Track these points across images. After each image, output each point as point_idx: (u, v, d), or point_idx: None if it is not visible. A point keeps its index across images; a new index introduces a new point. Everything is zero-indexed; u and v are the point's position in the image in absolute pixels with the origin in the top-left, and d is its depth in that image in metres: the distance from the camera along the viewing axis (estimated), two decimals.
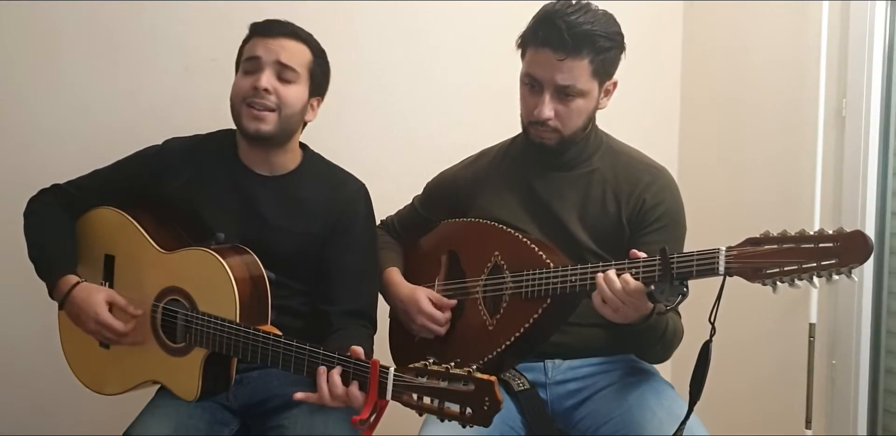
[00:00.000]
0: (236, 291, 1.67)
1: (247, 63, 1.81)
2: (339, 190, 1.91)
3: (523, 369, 1.82)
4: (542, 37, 1.68)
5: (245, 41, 1.86)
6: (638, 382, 1.78)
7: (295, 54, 1.82)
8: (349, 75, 2.52)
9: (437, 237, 2.00)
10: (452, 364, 1.41)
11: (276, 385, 1.83)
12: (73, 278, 1.80)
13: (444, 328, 1.84)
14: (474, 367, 1.39)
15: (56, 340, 1.93)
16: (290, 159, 1.90)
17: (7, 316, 2.33)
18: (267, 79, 1.77)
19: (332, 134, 2.49)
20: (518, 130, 1.89)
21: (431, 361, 1.43)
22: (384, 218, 2.15)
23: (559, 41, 1.66)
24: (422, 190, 2.11)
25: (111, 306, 1.78)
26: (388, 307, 1.99)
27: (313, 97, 1.88)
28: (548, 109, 1.72)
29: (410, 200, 2.14)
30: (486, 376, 1.36)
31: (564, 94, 1.71)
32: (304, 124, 1.91)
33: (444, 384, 1.39)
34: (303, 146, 1.95)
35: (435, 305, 1.85)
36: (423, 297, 1.86)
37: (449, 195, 2.00)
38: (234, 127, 1.92)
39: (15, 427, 2.36)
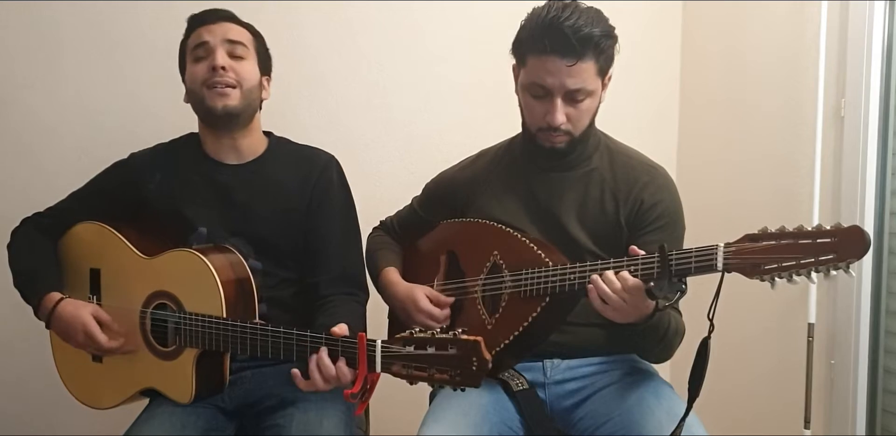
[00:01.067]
0: (220, 287, 1.68)
1: (196, 50, 1.84)
2: (309, 165, 1.93)
3: (522, 369, 1.82)
4: (548, 45, 1.67)
5: (186, 36, 1.89)
6: (637, 382, 1.78)
7: (240, 33, 1.87)
8: (348, 75, 2.54)
9: (436, 238, 2.00)
10: (438, 330, 1.42)
11: (271, 385, 1.84)
12: (55, 295, 1.80)
13: (443, 326, 1.84)
14: (459, 330, 1.39)
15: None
16: (256, 143, 1.92)
17: (4, 314, 2.33)
18: (222, 57, 1.81)
19: (330, 135, 2.50)
20: (517, 130, 1.89)
21: (417, 329, 1.44)
22: (383, 219, 2.16)
23: (567, 47, 1.65)
24: (421, 191, 2.11)
25: (98, 322, 1.78)
26: (387, 307, 1.99)
27: (263, 75, 1.92)
28: (560, 115, 1.72)
29: (409, 201, 2.13)
30: (471, 337, 1.37)
31: (573, 97, 1.71)
32: (261, 104, 1.93)
33: (430, 351, 1.40)
34: (268, 133, 1.98)
35: (433, 302, 1.85)
36: (421, 295, 1.86)
37: (448, 196, 2.00)
38: (187, 132, 1.95)
39: (12, 429, 2.36)
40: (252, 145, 1.91)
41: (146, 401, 1.86)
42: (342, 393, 1.51)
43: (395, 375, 1.45)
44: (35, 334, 2.01)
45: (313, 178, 1.90)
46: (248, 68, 1.85)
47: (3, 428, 2.35)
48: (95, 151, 2.03)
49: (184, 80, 1.89)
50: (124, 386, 1.83)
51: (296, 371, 1.56)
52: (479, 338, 1.37)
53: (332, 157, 1.97)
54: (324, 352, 1.54)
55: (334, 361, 1.53)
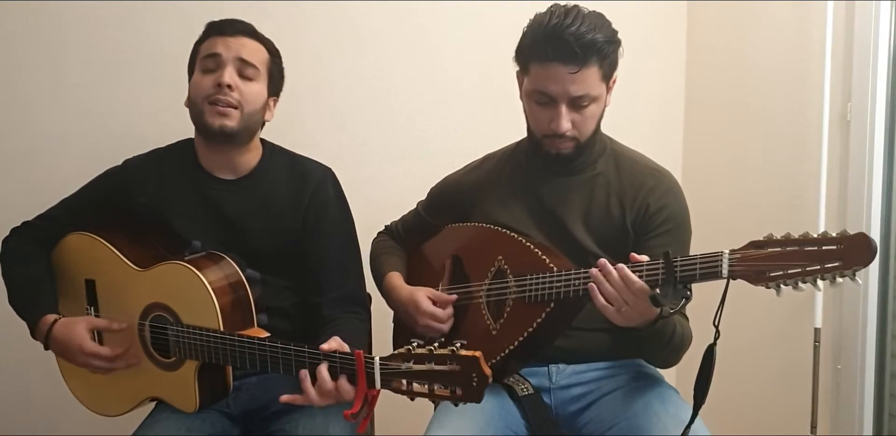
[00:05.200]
0: (215, 301, 1.67)
1: (206, 60, 1.79)
2: (304, 180, 1.89)
3: (527, 374, 1.82)
4: (551, 52, 1.67)
5: (200, 41, 1.85)
6: (643, 387, 1.78)
7: (255, 52, 1.82)
8: (352, 80, 2.54)
9: (441, 242, 1.99)
10: (436, 345, 1.41)
11: (277, 390, 1.79)
12: (50, 318, 1.78)
13: (448, 325, 1.84)
14: (458, 345, 1.39)
15: None
16: (251, 158, 1.89)
17: (8, 315, 2.32)
18: (230, 75, 1.76)
19: (334, 139, 2.50)
20: (522, 134, 1.89)
21: (416, 344, 1.43)
22: (388, 223, 2.16)
23: (570, 55, 1.65)
24: (426, 195, 2.11)
25: (96, 333, 1.78)
26: (391, 312, 1.99)
27: (271, 96, 1.88)
28: (566, 122, 1.72)
29: (414, 206, 2.13)
30: (470, 353, 1.37)
31: (578, 103, 1.71)
32: (263, 124, 1.90)
33: (429, 367, 1.40)
34: (262, 141, 1.94)
35: (434, 302, 1.85)
36: (423, 296, 1.86)
37: (453, 200, 2.00)
38: (191, 136, 1.92)
39: (14, 429, 2.36)
40: (247, 161, 1.88)
41: (153, 405, 1.86)
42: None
43: (395, 391, 1.45)
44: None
45: (308, 194, 1.87)
46: (255, 90, 1.81)
47: (5, 429, 2.36)
48: (101, 156, 2.03)
49: (189, 84, 1.86)
50: (130, 395, 1.84)
51: (285, 398, 1.56)
52: (478, 353, 1.36)
53: (328, 170, 1.93)
54: (324, 366, 1.52)
55: (335, 378, 1.52)
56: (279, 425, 1.77)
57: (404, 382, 1.43)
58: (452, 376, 1.37)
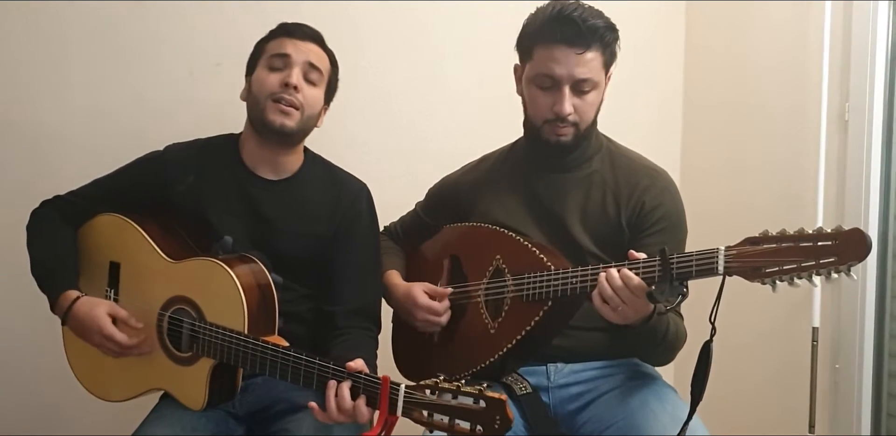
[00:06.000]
0: (245, 303, 1.67)
1: (275, 59, 1.83)
2: (341, 191, 1.92)
3: (525, 373, 1.82)
4: (559, 33, 1.70)
5: (267, 39, 1.89)
6: (641, 385, 1.78)
7: (321, 58, 1.88)
8: (352, 79, 2.51)
9: (439, 242, 2.00)
10: (463, 382, 1.41)
11: (281, 390, 1.83)
12: (73, 293, 1.79)
13: (445, 318, 1.85)
14: (485, 385, 1.40)
15: (59, 339, 1.93)
16: (295, 161, 1.91)
17: (9, 315, 2.33)
18: (297, 76, 1.81)
19: (334, 139, 2.48)
20: (520, 134, 1.90)
21: (442, 378, 1.44)
22: (387, 224, 2.16)
23: (577, 35, 1.69)
24: (424, 196, 2.11)
25: (113, 319, 1.78)
26: (390, 313, 2.00)
27: (324, 104, 1.92)
28: (569, 105, 1.73)
29: (413, 206, 2.14)
30: (496, 395, 1.37)
31: (580, 88, 1.73)
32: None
33: (454, 402, 1.40)
34: (304, 147, 1.96)
35: (431, 296, 1.86)
36: (419, 290, 1.87)
37: (451, 200, 2.00)
38: (234, 132, 1.93)
39: (15, 428, 2.36)
40: (290, 163, 1.90)
41: (156, 396, 1.86)
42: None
43: (414, 420, 1.45)
44: (40, 335, 2.02)
45: (343, 206, 1.90)
46: (317, 95, 1.86)
47: (6, 428, 2.36)
48: (103, 156, 2.03)
49: (247, 78, 1.89)
50: (135, 383, 1.83)
51: (313, 404, 1.55)
52: (504, 397, 1.37)
53: (364, 185, 1.96)
54: (346, 385, 1.53)
55: (355, 397, 1.53)
56: (283, 425, 1.77)
57: (425, 413, 1.43)
58: (476, 414, 1.38)
